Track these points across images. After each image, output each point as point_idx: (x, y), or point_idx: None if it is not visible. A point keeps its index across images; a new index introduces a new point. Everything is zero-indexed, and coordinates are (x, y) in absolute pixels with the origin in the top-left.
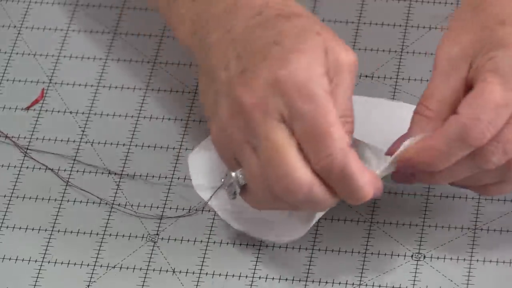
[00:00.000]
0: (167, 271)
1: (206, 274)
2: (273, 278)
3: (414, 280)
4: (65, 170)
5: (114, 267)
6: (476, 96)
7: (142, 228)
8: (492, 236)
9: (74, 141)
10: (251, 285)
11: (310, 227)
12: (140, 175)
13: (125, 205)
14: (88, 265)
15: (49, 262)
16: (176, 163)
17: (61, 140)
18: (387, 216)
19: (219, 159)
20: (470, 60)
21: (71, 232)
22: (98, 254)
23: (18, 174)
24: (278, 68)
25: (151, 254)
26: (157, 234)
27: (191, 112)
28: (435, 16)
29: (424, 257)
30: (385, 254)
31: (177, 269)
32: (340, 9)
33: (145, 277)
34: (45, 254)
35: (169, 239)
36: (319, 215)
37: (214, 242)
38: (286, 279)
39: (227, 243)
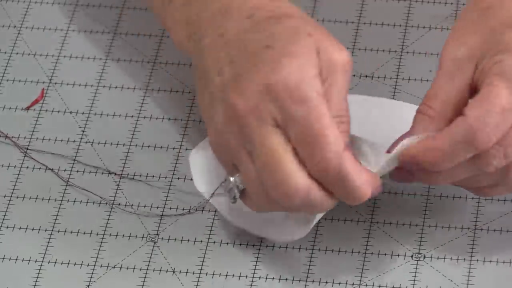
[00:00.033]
0: (167, 271)
1: (206, 274)
2: (273, 278)
3: (414, 280)
4: (65, 170)
5: (114, 267)
6: (483, 99)
7: (142, 228)
8: (492, 236)
9: (74, 141)
10: (251, 285)
11: (311, 227)
12: (140, 175)
13: (125, 205)
14: (88, 265)
15: (49, 262)
16: (176, 163)
17: (61, 140)
18: (387, 216)
19: None
20: (476, 62)
21: (71, 232)
22: (98, 254)
23: (18, 174)
24: (269, 73)
25: (151, 254)
26: (157, 234)
27: (191, 112)
28: (435, 16)
29: (424, 257)
30: (385, 254)
31: (177, 269)
32: (340, 9)
33: (145, 277)
34: (45, 254)
35: (169, 239)
36: (319, 215)
37: (214, 242)
38: (286, 279)
39: (227, 243)
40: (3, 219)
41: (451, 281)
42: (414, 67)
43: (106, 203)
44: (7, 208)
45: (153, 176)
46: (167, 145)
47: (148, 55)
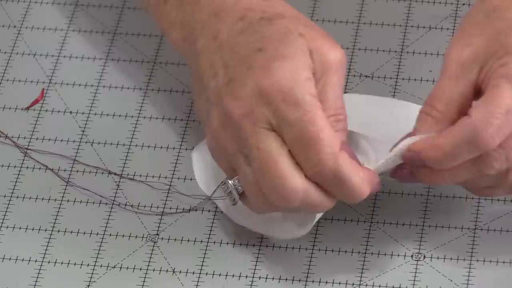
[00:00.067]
0: (167, 271)
1: (206, 274)
2: (273, 278)
3: (414, 280)
4: (65, 170)
5: (114, 267)
6: (488, 100)
7: (142, 228)
8: (492, 236)
9: (74, 141)
10: (251, 285)
11: (313, 225)
12: (140, 175)
13: (125, 205)
14: (88, 265)
15: (49, 262)
16: (176, 163)
17: (61, 140)
18: (387, 216)
19: None
20: (481, 64)
21: (71, 232)
22: (98, 254)
23: (18, 174)
24: (262, 77)
25: (151, 254)
26: (157, 234)
27: (191, 112)
28: (435, 16)
29: (424, 257)
30: (385, 254)
31: (177, 269)
32: (340, 9)
33: (145, 277)
34: (45, 254)
35: (169, 239)
36: (319, 214)
37: (214, 242)
38: (286, 279)
39: (227, 243)
40: (3, 219)
41: (451, 281)
42: (414, 67)
43: (106, 203)
44: (7, 208)
45: (153, 176)
46: (167, 145)
47: (148, 55)
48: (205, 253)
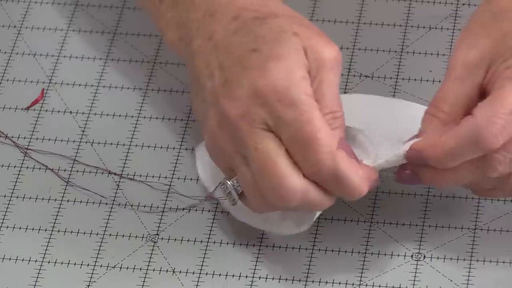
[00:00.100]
0: (167, 271)
1: (206, 274)
2: (273, 278)
3: (414, 280)
4: (65, 170)
5: (114, 267)
6: (492, 101)
7: (142, 228)
8: (492, 236)
9: (74, 141)
10: (251, 285)
11: (313, 221)
12: (140, 175)
13: (125, 205)
14: (88, 265)
15: (49, 262)
16: (176, 163)
17: (61, 140)
18: (387, 216)
19: None
20: (487, 65)
21: (71, 232)
22: (98, 254)
23: (18, 174)
24: (258, 77)
25: (151, 254)
26: (157, 234)
27: (191, 112)
28: (435, 16)
29: (424, 257)
30: (385, 254)
31: (177, 269)
32: (340, 9)
33: (145, 277)
34: (45, 254)
35: (169, 239)
36: (319, 211)
37: (214, 242)
38: (286, 279)
39: (227, 243)
40: (3, 219)
41: (451, 281)
42: (414, 67)
43: (106, 203)
44: (7, 208)
45: (153, 176)
46: (167, 145)
47: (148, 55)
48: (205, 253)
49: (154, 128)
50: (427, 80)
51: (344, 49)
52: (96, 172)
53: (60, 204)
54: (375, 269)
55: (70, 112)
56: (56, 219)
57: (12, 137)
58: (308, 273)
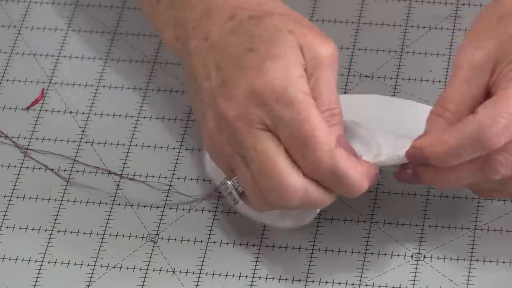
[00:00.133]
0: (167, 271)
1: (206, 274)
2: (273, 278)
3: (414, 280)
4: (65, 170)
5: (114, 267)
6: (496, 100)
7: (142, 228)
8: (492, 236)
9: (74, 141)
10: (251, 285)
11: (315, 215)
12: (140, 175)
13: (125, 204)
14: (88, 265)
15: (49, 262)
16: (176, 163)
17: (61, 140)
18: (387, 216)
19: None
20: (493, 67)
21: (71, 232)
22: (98, 254)
23: (18, 174)
24: (254, 77)
25: (151, 254)
26: (157, 234)
27: (191, 112)
28: (435, 16)
29: (424, 257)
30: (385, 254)
31: (177, 269)
32: (340, 9)
33: (145, 277)
34: (45, 254)
35: (169, 239)
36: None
37: (214, 242)
38: (286, 279)
39: (227, 243)
40: (3, 219)
41: (451, 281)
42: (414, 67)
43: (106, 203)
44: (7, 208)
45: (153, 176)
46: (167, 145)
47: (148, 55)
48: (205, 253)
49: (154, 128)
50: (427, 80)
51: (344, 49)
52: (96, 172)
53: (60, 204)
54: (375, 269)
55: (70, 112)
56: (56, 219)
57: (12, 137)
58: (308, 273)
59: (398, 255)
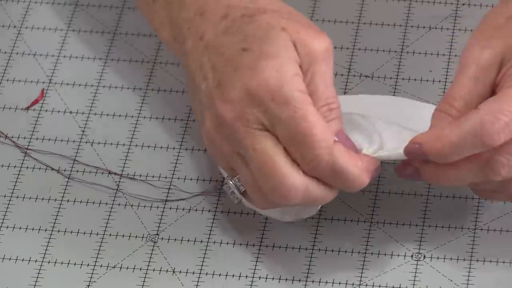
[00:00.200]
0: (167, 271)
1: (206, 274)
2: (273, 278)
3: (414, 280)
4: (65, 170)
5: (114, 267)
6: (500, 98)
7: (142, 228)
8: (492, 236)
9: (74, 141)
10: (251, 285)
11: (318, 208)
12: (140, 175)
13: (125, 204)
14: (88, 265)
15: (49, 262)
16: (176, 163)
17: (61, 140)
18: (387, 216)
19: None
20: (499, 66)
21: (71, 232)
22: (98, 254)
23: (18, 174)
24: (249, 78)
25: (151, 254)
26: (157, 234)
27: (191, 112)
28: (435, 16)
29: (424, 257)
30: (385, 254)
31: (177, 269)
32: (340, 9)
33: (145, 277)
34: (45, 254)
35: (169, 239)
36: None
37: (214, 242)
38: (286, 279)
39: (227, 243)
40: (3, 219)
41: (451, 281)
42: (414, 67)
43: (106, 203)
44: (7, 208)
45: (153, 176)
46: (167, 145)
47: (148, 55)
48: (205, 253)
49: (154, 128)
50: (427, 80)
51: (344, 49)
52: (96, 172)
53: (60, 204)
54: (375, 269)
55: (70, 112)
56: (56, 219)
57: (12, 137)
58: (308, 273)
59: (398, 255)
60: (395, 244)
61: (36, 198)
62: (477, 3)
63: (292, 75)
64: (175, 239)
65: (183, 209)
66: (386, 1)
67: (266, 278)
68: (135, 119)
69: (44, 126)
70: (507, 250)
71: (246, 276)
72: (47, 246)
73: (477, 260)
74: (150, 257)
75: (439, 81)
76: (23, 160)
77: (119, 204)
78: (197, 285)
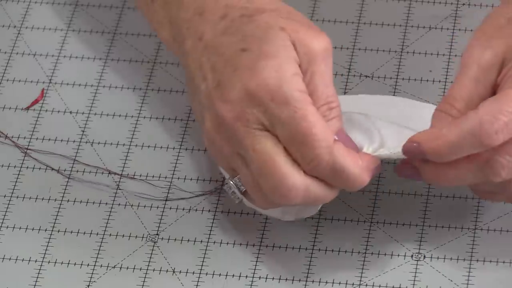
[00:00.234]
0: (167, 271)
1: (206, 274)
2: (273, 278)
3: (414, 280)
4: (65, 170)
5: (114, 267)
6: (499, 98)
7: (142, 228)
8: (492, 236)
9: (74, 141)
10: (251, 285)
11: (319, 207)
12: (140, 175)
13: (125, 204)
14: (88, 265)
15: (49, 262)
16: (176, 163)
17: (61, 140)
18: (387, 216)
19: None
20: (500, 67)
21: (71, 232)
22: (98, 254)
23: (18, 174)
24: (249, 78)
25: (151, 254)
26: (157, 234)
27: (191, 112)
28: (435, 16)
29: (424, 257)
30: (385, 254)
31: (177, 269)
32: (340, 9)
33: (145, 277)
34: (45, 254)
35: (169, 239)
36: None
37: (214, 242)
38: (286, 279)
39: (227, 243)
40: (3, 219)
41: (451, 281)
42: (414, 67)
43: (106, 203)
44: (7, 208)
45: (153, 176)
46: (167, 145)
47: (148, 55)
48: (205, 253)
49: (154, 128)
50: (427, 80)
51: (344, 49)
52: (96, 172)
53: (60, 204)
54: (375, 269)
55: (70, 112)
56: (56, 219)
57: (12, 137)
58: (308, 273)
59: (398, 255)
60: (395, 244)
61: (36, 198)
62: (477, 3)
63: (291, 75)
64: (175, 239)
65: (183, 209)
66: (386, 1)
67: (266, 278)
68: (135, 119)
69: (44, 126)
70: (507, 250)
71: (246, 276)
72: (47, 246)
73: (477, 260)
74: (150, 257)
75: (439, 81)
76: (23, 160)
77: (119, 204)
78: (197, 285)
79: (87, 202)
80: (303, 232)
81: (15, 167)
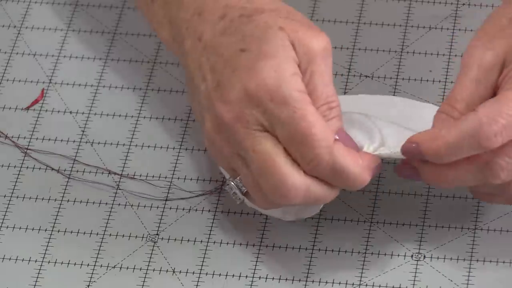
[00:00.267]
0: (167, 271)
1: (206, 274)
2: (273, 278)
3: (414, 280)
4: (65, 170)
5: (114, 267)
6: (499, 100)
7: (142, 228)
8: (492, 236)
9: (74, 141)
10: (251, 285)
11: (321, 207)
12: (140, 175)
13: (125, 204)
14: (88, 265)
15: (49, 262)
16: (176, 163)
17: (61, 140)
18: (387, 216)
19: None
20: (501, 68)
21: (71, 232)
22: (98, 254)
23: (18, 174)
24: (248, 79)
25: (151, 254)
26: (157, 234)
27: (191, 112)
28: (435, 16)
29: (424, 257)
30: (385, 254)
31: (177, 269)
32: (340, 9)
33: (145, 277)
34: (45, 254)
35: (169, 239)
36: None
37: (214, 242)
38: (286, 279)
39: (227, 243)
40: (3, 219)
41: (451, 281)
42: (414, 67)
43: (106, 203)
44: (7, 208)
45: (153, 176)
46: (167, 145)
47: (148, 55)
48: (205, 253)
49: (154, 128)
50: (427, 80)
51: (344, 49)
52: (96, 172)
53: (60, 204)
54: (375, 269)
55: (70, 112)
56: (56, 219)
57: (12, 137)
58: (308, 273)
59: (398, 255)
60: (395, 244)
61: (36, 198)
62: (477, 3)
63: (290, 75)
64: (175, 239)
65: (183, 209)
66: (386, 1)
67: (266, 278)
68: (135, 119)
69: (44, 126)
70: (507, 250)
71: (246, 276)
72: (47, 246)
73: (477, 260)
74: (150, 257)
75: (439, 81)
76: (23, 160)
77: (119, 204)
78: (197, 285)
79: (87, 202)
80: (303, 232)
81: (15, 167)
